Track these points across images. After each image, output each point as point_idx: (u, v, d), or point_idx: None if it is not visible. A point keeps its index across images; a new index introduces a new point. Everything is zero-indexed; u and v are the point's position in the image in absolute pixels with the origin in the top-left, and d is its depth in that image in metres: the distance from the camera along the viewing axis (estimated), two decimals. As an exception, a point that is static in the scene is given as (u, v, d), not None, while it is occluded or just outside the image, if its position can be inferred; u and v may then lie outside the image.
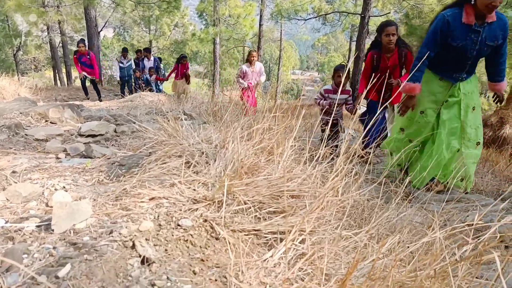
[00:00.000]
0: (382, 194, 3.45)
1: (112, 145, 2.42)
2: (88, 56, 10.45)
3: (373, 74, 4.57)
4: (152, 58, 12.69)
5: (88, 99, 11.07)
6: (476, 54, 3.30)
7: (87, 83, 11.79)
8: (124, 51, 12.81)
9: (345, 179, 1.65)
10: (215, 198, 1.28)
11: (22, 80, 15.32)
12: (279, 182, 1.39)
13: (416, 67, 3.27)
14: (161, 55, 28.98)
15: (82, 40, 10.65)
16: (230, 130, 1.79)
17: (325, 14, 17.81)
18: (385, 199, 3.37)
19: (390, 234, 1.64)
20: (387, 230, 1.72)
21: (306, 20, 16.98)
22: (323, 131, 4.65)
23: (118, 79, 13.02)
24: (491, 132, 10.37)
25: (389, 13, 17.25)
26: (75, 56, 10.53)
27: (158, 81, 12.63)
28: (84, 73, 10.59)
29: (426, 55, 3.21)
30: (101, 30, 21.99)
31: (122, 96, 11.17)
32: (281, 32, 28.47)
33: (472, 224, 1.42)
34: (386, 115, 5.01)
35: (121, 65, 12.53)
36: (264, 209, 1.34)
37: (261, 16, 22.02)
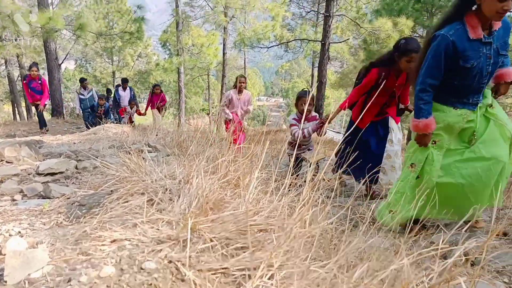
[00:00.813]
0: (350, 219, 3.48)
1: (73, 183, 2.33)
2: (39, 81, 9.74)
3: (369, 93, 4.20)
4: (128, 88, 12.12)
5: (47, 131, 10.44)
6: (492, 70, 2.79)
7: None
8: (83, 82, 12.24)
9: (312, 209, 1.64)
10: (179, 237, 1.24)
11: None
12: (245, 216, 1.37)
13: (421, 100, 2.83)
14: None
15: (35, 64, 9.95)
16: (195, 163, 1.76)
17: (287, 42, 18.26)
18: (354, 224, 3.40)
19: (359, 262, 1.64)
20: (356, 257, 1.72)
21: (268, 48, 17.33)
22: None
23: (79, 112, 12.47)
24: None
25: (348, 39, 17.90)
26: (24, 82, 9.91)
27: (124, 113, 12.02)
28: (34, 108, 10.19)
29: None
30: (62, 62, 21.64)
31: (87, 128, 10.82)
32: (244, 60, 28.94)
33: (438, 248, 1.43)
34: (390, 145, 4.45)
35: (81, 96, 11.93)
36: (232, 245, 1.31)
37: (224, 44, 22.32)
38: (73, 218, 1.62)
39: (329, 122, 4.16)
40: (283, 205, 1.62)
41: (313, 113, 4.79)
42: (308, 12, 20.97)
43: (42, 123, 10.49)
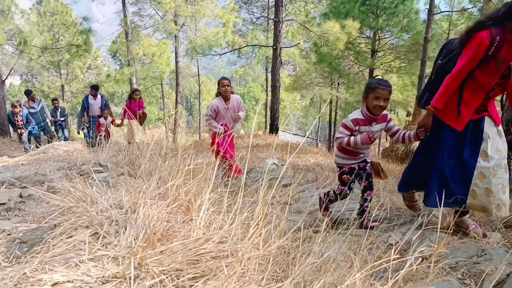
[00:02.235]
0: (309, 225, 3.51)
1: (15, 215, 2.19)
2: None
3: (474, 72, 2.76)
4: (99, 96, 10.82)
5: None
6: None
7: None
8: (29, 94, 10.96)
9: (266, 227, 1.63)
10: (126, 275, 1.19)
11: None
12: (196, 244, 1.33)
13: None
14: (75, 99, 27.77)
15: None
16: (142, 189, 1.70)
17: (239, 48, 18.31)
18: (314, 230, 3.43)
19: (316, 278, 1.64)
20: (313, 272, 1.72)
21: (221, 55, 17.32)
22: (345, 183, 3.54)
23: (29, 128, 10.67)
24: (403, 147, 11.17)
25: (298, 43, 18.20)
26: None
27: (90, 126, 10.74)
28: None
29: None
30: (6, 78, 20.62)
31: (37, 146, 10.01)
32: (198, 67, 28.77)
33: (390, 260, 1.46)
34: (483, 159, 2.87)
35: (32, 110, 10.58)
36: (182, 277, 1.27)
37: (176, 53, 22.11)
38: (13, 259, 1.52)
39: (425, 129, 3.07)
40: (236, 226, 1.60)
41: (385, 112, 3.32)
42: (258, 18, 21.16)
43: None
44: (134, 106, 9.99)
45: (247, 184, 4.93)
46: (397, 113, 32.57)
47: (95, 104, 10.63)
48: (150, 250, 1.27)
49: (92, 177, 2.43)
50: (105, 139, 9.23)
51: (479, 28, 2.64)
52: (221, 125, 5.57)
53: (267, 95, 24.76)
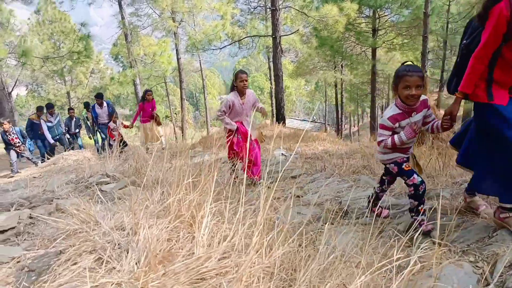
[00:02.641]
0: (317, 218, 3.51)
1: (25, 239, 2.23)
2: None
3: (502, 48, 2.46)
4: (105, 103, 10.82)
5: None
6: None
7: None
8: (50, 108, 10.94)
9: (268, 235, 1.63)
10: (130, 301, 1.20)
11: None
12: (197, 263, 1.34)
13: None
14: (81, 104, 27.96)
15: None
16: (143, 207, 1.71)
17: (238, 40, 18.21)
18: (323, 220, 3.43)
19: (322, 280, 1.64)
20: (321, 273, 1.72)
21: (221, 49, 17.25)
22: (410, 172, 2.99)
23: (51, 141, 10.58)
24: (432, 137, 11.03)
25: (298, 30, 18.03)
26: None
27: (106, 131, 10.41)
28: None
29: None
30: (12, 90, 20.81)
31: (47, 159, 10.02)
32: (200, 62, 28.73)
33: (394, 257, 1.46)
34: None
35: (49, 124, 10.61)
36: (187, 297, 1.28)
37: (177, 50, 22.06)
38: (22, 288, 1.55)
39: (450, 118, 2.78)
40: (239, 237, 1.60)
41: (423, 97, 2.91)
42: (256, 8, 20.99)
43: None
44: (148, 106, 9.92)
45: (252, 181, 4.95)
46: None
47: (103, 113, 10.68)
48: (152, 274, 1.28)
49: (97, 194, 2.45)
50: (119, 144, 9.02)
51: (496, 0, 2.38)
52: (236, 122, 5.19)
53: (271, 84, 24.66)
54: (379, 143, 3.01)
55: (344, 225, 3.37)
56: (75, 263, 1.49)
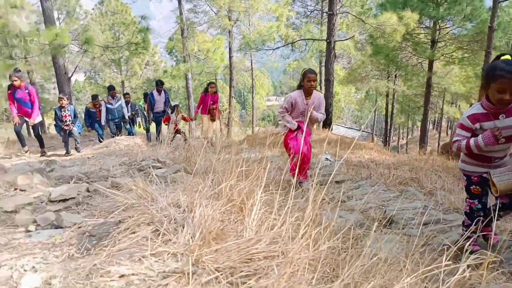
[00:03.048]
0: (361, 224, 3.49)
1: (84, 209, 2.39)
2: (26, 91, 7.93)
3: None
4: (163, 91, 10.65)
5: (27, 151, 8.31)
6: None
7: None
8: (111, 90, 10.75)
9: (315, 229, 1.66)
10: (184, 271, 1.28)
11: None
12: (248, 244, 1.40)
13: None
14: (134, 94, 29.02)
15: (14, 72, 7.86)
16: (198, 189, 1.80)
17: (292, 42, 18.24)
18: (366, 227, 3.40)
19: (365, 279, 1.65)
20: (363, 274, 1.73)
21: (274, 49, 17.34)
22: (474, 196, 2.77)
23: (103, 123, 10.66)
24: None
25: (353, 36, 17.81)
26: (9, 92, 7.95)
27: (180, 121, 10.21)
28: (17, 118, 7.99)
29: None
30: (72, 75, 21.98)
31: (99, 142, 9.92)
32: (251, 62, 28.99)
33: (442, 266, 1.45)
34: None
35: (109, 106, 10.55)
36: (236, 274, 1.34)
37: (230, 48, 22.42)
38: (84, 250, 1.67)
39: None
40: (287, 228, 1.65)
41: None
42: (312, 11, 20.94)
43: (40, 143, 8.78)
44: (208, 99, 9.72)
45: (298, 181, 4.96)
46: (458, 106, 31.00)
47: (160, 100, 10.59)
48: (206, 248, 1.35)
49: (151, 174, 2.58)
50: (176, 135, 8.98)
51: None
52: (296, 121, 4.98)
53: (321, 89, 24.55)
54: (453, 143, 2.67)
55: (388, 234, 3.34)
56: (133, 232, 1.59)
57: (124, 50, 21.54)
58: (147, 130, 11.60)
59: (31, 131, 8.40)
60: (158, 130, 9.83)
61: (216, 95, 10.04)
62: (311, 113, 4.83)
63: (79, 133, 9.72)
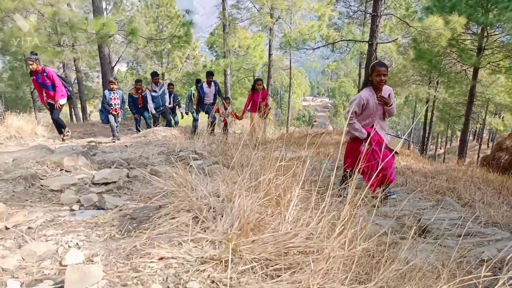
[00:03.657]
0: (395, 231, 3.43)
1: (125, 193, 2.47)
2: (44, 74, 7.62)
3: None
4: (213, 83, 10.21)
5: (64, 140, 8.28)
6: None
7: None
8: (155, 76, 10.38)
9: (351, 229, 1.66)
10: (221, 258, 1.31)
11: (39, 117, 15.34)
12: (285, 238, 1.42)
13: None
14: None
15: (32, 54, 7.59)
16: (237, 180, 1.83)
17: (333, 43, 18.04)
18: (400, 237, 3.35)
19: (400, 284, 1.64)
20: (397, 279, 1.72)
21: (314, 49, 17.22)
22: None
23: (153, 111, 10.37)
24: (507, 156, 10.24)
25: (396, 39, 17.42)
26: (32, 78, 7.78)
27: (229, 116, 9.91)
28: (47, 106, 7.94)
29: None
30: (115, 65, 22.63)
31: (137, 131, 9.89)
32: (290, 61, 28.91)
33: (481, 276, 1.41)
34: None
35: (153, 93, 10.21)
36: (271, 267, 1.36)
37: (270, 46, 22.44)
38: (125, 232, 1.74)
39: None
40: (323, 225, 1.66)
41: None
42: (356, 12, 20.64)
43: (60, 127, 8.45)
44: (257, 97, 9.06)
45: (335, 183, 4.93)
46: (502, 117, 29.78)
47: (210, 92, 10.25)
48: (243, 238, 1.38)
49: (190, 164, 2.63)
50: (223, 130, 8.67)
51: None
52: (365, 126, 4.36)
53: (359, 91, 24.20)
54: None
55: (422, 243, 3.27)
56: (173, 218, 1.64)
57: (167, 42, 21.97)
58: (195, 119, 11.07)
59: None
60: (212, 123, 9.31)
61: (265, 91, 9.43)
62: (389, 105, 4.31)
63: (122, 119, 9.69)
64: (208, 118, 9.48)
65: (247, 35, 23.32)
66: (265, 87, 9.10)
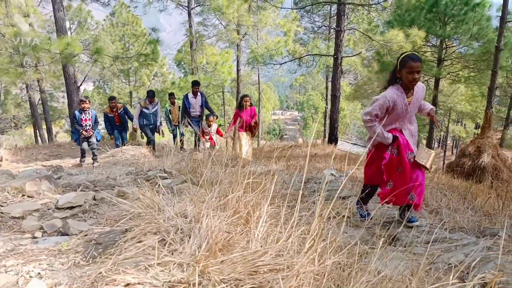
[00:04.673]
0: (365, 241, 3.46)
1: (90, 217, 2.40)
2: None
3: None
4: (199, 93, 9.76)
5: None
6: None
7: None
8: (151, 96, 9.89)
9: (321, 244, 1.66)
10: (190, 281, 1.29)
11: (1, 140, 14.80)
12: (254, 256, 1.40)
13: None
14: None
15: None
16: (206, 199, 1.81)
17: (299, 57, 18.36)
18: (371, 244, 3.38)
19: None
20: (367, 289, 1.72)
21: (281, 64, 17.47)
22: None
23: (135, 126, 9.89)
24: (470, 162, 10.59)
25: (360, 52, 17.91)
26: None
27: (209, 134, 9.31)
28: None
29: None
30: (81, 84, 22.19)
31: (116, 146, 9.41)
32: (258, 76, 29.18)
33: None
34: None
35: (145, 110, 9.79)
36: (241, 286, 1.34)
37: (238, 62, 22.62)
38: (90, 258, 1.68)
39: None
40: (292, 240, 1.65)
41: None
42: (320, 27, 21.12)
43: None
44: (245, 115, 8.26)
45: (304, 195, 4.95)
46: (464, 125, 30.90)
47: (196, 103, 9.72)
48: (212, 259, 1.36)
49: (158, 184, 2.59)
50: (211, 148, 8.19)
51: None
52: (392, 130, 3.52)
53: (326, 104, 24.57)
54: None
55: (393, 251, 3.31)
56: (140, 241, 1.60)
57: (134, 61, 21.80)
58: (174, 136, 10.68)
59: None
60: (196, 139, 8.70)
61: (253, 108, 8.58)
62: (431, 111, 3.64)
63: (98, 140, 9.28)
64: (195, 135, 9.05)
65: (214, 51, 23.38)
66: (252, 103, 8.47)
